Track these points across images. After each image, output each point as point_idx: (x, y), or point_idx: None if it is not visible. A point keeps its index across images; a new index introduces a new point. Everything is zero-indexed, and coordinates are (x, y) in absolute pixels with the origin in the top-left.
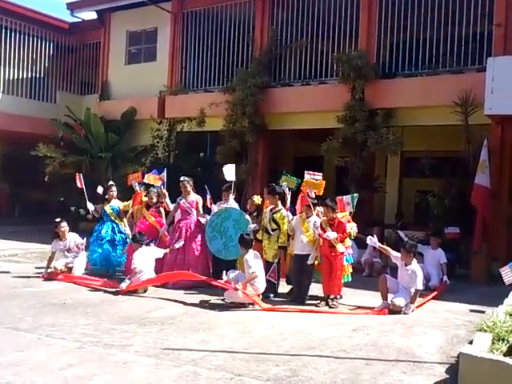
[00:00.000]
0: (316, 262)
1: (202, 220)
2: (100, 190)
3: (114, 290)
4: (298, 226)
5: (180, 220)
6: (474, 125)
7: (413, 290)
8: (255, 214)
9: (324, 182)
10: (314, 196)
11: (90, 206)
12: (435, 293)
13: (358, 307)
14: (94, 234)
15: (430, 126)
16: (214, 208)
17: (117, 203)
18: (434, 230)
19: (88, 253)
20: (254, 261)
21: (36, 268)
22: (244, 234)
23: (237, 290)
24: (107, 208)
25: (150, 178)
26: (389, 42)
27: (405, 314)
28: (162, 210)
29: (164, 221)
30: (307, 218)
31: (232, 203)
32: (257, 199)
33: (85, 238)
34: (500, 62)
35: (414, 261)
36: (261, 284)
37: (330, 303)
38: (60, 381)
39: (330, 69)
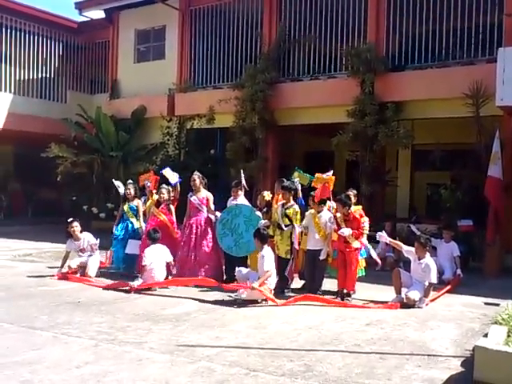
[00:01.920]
0: (329, 259)
1: (212, 217)
2: (120, 187)
3: (126, 288)
4: (310, 221)
5: (190, 217)
6: (486, 116)
7: (426, 284)
8: (265, 209)
9: (334, 177)
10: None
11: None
12: (449, 286)
13: (371, 301)
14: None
15: (441, 119)
16: (218, 214)
17: (136, 202)
18: (446, 223)
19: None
20: (270, 258)
21: (48, 268)
22: (261, 228)
23: (253, 289)
24: (125, 207)
25: (168, 173)
26: (398, 35)
27: (419, 307)
28: (171, 207)
29: (174, 218)
30: (318, 213)
31: (241, 200)
32: (267, 195)
33: (98, 239)
34: (511, 52)
35: (428, 254)
36: (273, 280)
37: (344, 299)
38: (76, 378)
39: (339, 63)
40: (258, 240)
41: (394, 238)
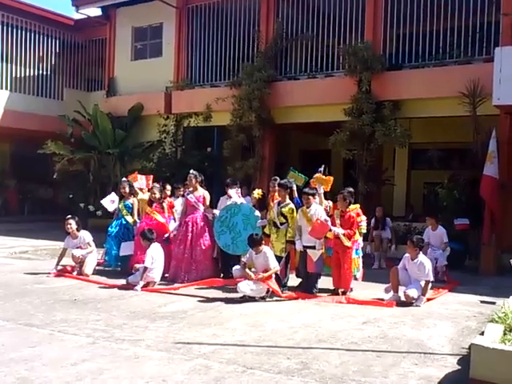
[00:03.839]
0: (325, 255)
1: (209, 215)
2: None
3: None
4: (301, 218)
5: (187, 214)
6: (482, 115)
7: (423, 283)
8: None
9: (332, 178)
10: (322, 192)
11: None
12: (446, 290)
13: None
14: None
15: (438, 118)
16: (216, 212)
17: (131, 200)
18: (430, 213)
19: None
20: (273, 255)
21: (45, 265)
22: (253, 235)
23: (260, 279)
24: (120, 205)
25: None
26: (395, 33)
27: (417, 306)
28: (164, 205)
29: (167, 216)
30: (307, 208)
31: (235, 199)
32: (256, 193)
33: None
34: (508, 51)
35: (420, 253)
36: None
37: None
38: (73, 376)
39: (336, 61)
40: (255, 244)
41: (384, 221)
